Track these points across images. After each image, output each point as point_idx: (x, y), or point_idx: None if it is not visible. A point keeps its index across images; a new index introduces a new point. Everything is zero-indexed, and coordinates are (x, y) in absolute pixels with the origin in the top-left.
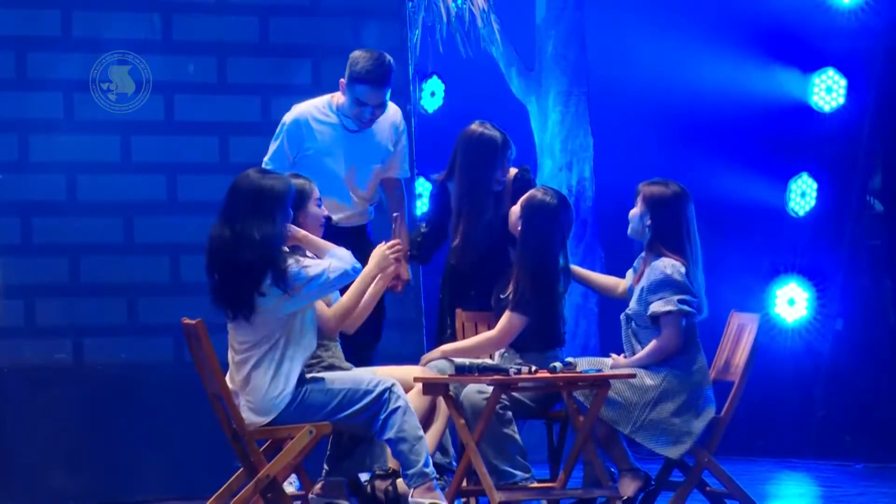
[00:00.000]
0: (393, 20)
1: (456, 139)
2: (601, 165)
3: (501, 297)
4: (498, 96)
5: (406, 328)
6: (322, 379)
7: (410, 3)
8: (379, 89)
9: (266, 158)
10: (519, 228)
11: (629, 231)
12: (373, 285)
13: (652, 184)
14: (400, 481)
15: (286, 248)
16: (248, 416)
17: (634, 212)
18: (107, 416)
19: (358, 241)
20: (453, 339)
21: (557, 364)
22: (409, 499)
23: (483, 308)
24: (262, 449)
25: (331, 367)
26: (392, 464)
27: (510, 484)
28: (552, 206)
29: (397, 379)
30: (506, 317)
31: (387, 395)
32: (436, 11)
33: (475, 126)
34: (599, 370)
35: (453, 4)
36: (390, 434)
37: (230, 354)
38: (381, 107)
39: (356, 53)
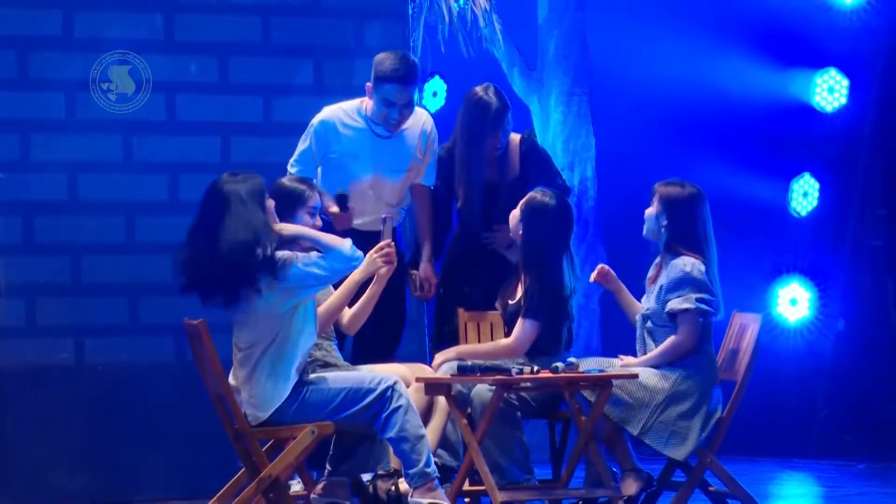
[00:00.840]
0: (395, 20)
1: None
2: (603, 165)
3: (510, 302)
4: None
5: (406, 327)
6: (324, 378)
7: (412, 4)
8: (406, 87)
9: (292, 159)
10: (520, 232)
11: (644, 231)
12: (370, 288)
13: (668, 184)
14: (402, 481)
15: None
16: (250, 411)
17: (650, 212)
18: (108, 416)
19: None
20: (452, 337)
21: (559, 364)
22: (410, 498)
23: (484, 307)
24: (264, 449)
25: (328, 366)
26: (394, 464)
27: (512, 484)
28: (552, 206)
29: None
30: (520, 324)
31: (389, 393)
32: (437, 11)
33: (477, 89)
34: (603, 370)
35: (455, 4)
36: (392, 433)
37: (234, 353)
38: (409, 106)
39: (380, 55)
